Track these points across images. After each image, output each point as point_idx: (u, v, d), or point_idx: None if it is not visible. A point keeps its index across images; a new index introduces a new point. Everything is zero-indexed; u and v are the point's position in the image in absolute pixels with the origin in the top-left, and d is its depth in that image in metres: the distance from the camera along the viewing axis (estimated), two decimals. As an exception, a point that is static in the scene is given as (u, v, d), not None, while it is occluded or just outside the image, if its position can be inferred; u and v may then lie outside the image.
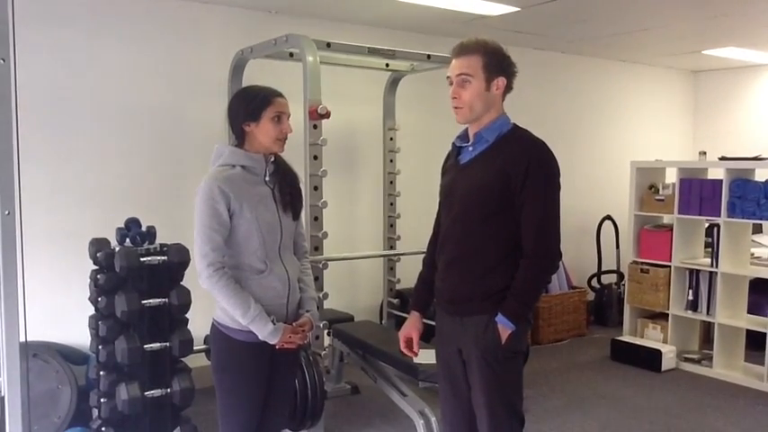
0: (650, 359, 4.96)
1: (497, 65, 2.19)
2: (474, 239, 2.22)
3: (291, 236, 2.44)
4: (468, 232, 2.23)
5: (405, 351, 2.47)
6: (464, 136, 2.32)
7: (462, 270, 2.25)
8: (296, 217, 2.46)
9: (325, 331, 3.82)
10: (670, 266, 5.08)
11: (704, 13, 4.77)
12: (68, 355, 3.78)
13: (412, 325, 2.45)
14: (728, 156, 5.09)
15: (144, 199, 4.20)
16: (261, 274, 2.30)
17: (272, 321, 2.27)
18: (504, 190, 2.15)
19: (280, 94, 2.37)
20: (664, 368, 4.92)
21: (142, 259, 3.08)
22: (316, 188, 3.58)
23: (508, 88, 2.24)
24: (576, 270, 6.26)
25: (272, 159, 2.39)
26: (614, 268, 6.37)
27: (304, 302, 2.46)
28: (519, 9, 4.56)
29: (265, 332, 2.26)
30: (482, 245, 2.21)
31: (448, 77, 2.24)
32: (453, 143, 2.36)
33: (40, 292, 3.80)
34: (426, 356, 3.34)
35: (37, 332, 3.70)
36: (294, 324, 2.37)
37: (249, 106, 2.32)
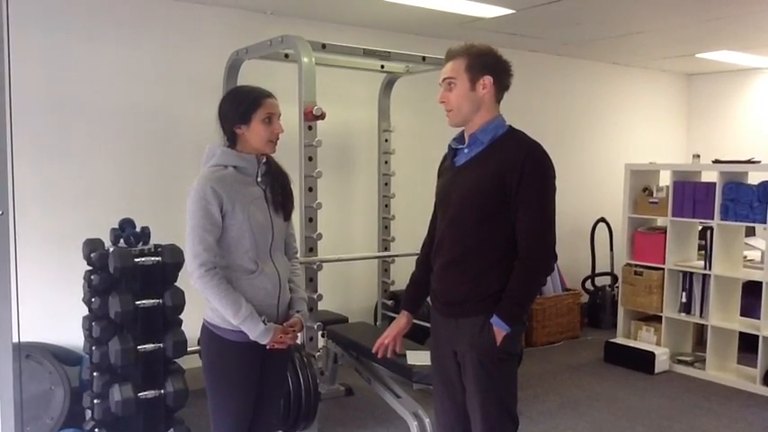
0: (643, 361, 4.97)
1: (481, 64, 2.20)
2: (469, 241, 2.22)
3: (283, 237, 2.44)
4: (463, 234, 2.23)
5: (377, 351, 2.44)
6: (460, 138, 2.33)
7: (458, 272, 2.25)
8: (287, 218, 2.46)
9: (320, 333, 3.81)
10: (664, 269, 5.09)
11: (698, 17, 4.79)
12: (62, 356, 3.76)
13: (395, 323, 2.46)
14: (722, 159, 5.11)
15: (138, 200, 4.20)
16: (252, 275, 2.30)
17: (263, 321, 2.27)
18: (500, 192, 2.15)
19: (269, 95, 2.36)
20: (657, 370, 4.94)
21: (136, 260, 3.07)
22: (310, 189, 3.58)
23: (501, 88, 2.25)
24: (570, 272, 6.27)
25: (264, 160, 2.39)
26: (608, 270, 6.39)
27: (294, 303, 2.46)
28: (514, 11, 4.57)
29: (256, 332, 2.26)
30: (477, 247, 2.21)
31: (440, 84, 2.27)
32: (449, 145, 2.37)
33: (33, 293, 3.79)
34: (420, 358, 3.35)
35: (30, 333, 3.68)
36: (284, 324, 2.37)
37: (239, 109, 2.31)
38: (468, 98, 2.21)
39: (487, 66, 2.21)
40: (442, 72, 2.26)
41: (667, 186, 5.09)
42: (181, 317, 3.21)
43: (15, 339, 1.73)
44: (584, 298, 6.30)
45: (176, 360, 3.23)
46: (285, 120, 2.42)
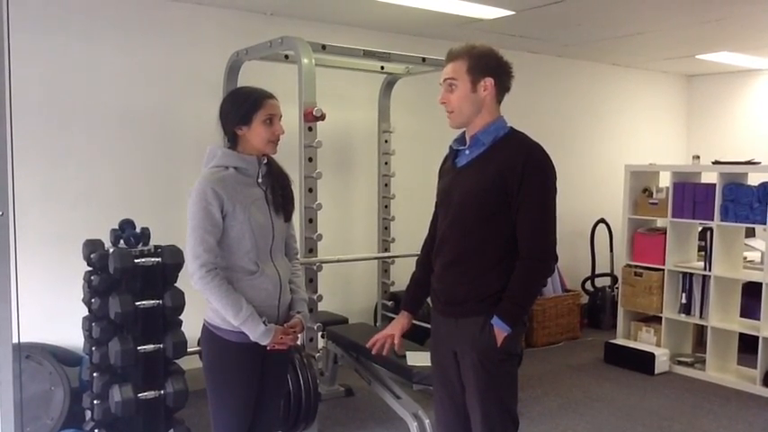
0: (643, 362, 4.97)
1: (483, 66, 2.20)
2: (471, 242, 2.22)
3: (283, 238, 2.45)
4: (465, 235, 2.24)
5: (372, 346, 2.44)
6: (461, 139, 2.33)
7: (459, 272, 2.26)
8: (288, 219, 2.46)
9: (320, 333, 3.81)
10: (663, 270, 5.09)
11: (698, 18, 4.80)
12: (62, 357, 3.76)
13: (396, 323, 2.46)
14: (722, 160, 5.11)
15: (138, 200, 4.20)
16: (252, 276, 2.30)
17: (264, 322, 2.28)
18: (501, 193, 2.16)
19: (271, 96, 2.37)
20: (657, 371, 4.94)
21: (136, 261, 3.07)
22: (310, 190, 3.58)
23: (502, 89, 2.25)
24: (570, 273, 6.27)
25: (265, 161, 2.39)
26: (608, 271, 6.39)
27: (295, 304, 2.46)
28: (514, 13, 4.57)
29: (257, 333, 2.26)
30: (479, 247, 2.22)
31: (440, 84, 2.27)
32: (450, 146, 2.37)
33: (33, 294, 3.79)
34: (420, 358, 3.36)
35: (30, 333, 3.68)
36: (285, 325, 2.38)
37: (240, 110, 2.32)
38: (469, 100, 2.21)
39: (489, 67, 2.21)
40: (443, 73, 2.25)
41: (667, 187, 5.09)
42: (181, 317, 3.21)
43: (15, 340, 1.72)
44: (584, 299, 6.30)
45: (176, 361, 3.23)
46: (285, 121, 2.42)
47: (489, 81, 2.21)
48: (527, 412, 4.08)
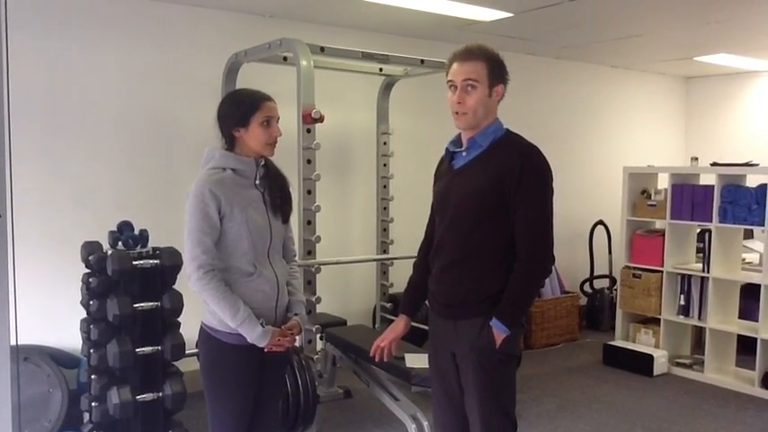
0: (642, 364, 4.97)
1: (499, 72, 2.22)
2: (469, 244, 2.22)
3: (281, 239, 2.45)
4: (462, 237, 2.24)
5: (374, 354, 2.45)
6: (457, 141, 2.33)
7: (457, 274, 2.26)
8: (285, 220, 2.47)
9: (318, 335, 3.81)
10: (662, 271, 5.10)
11: (696, 21, 4.80)
12: (60, 359, 3.76)
13: (393, 327, 2.46)
14: (720, 162, 5.12)
15: (137, 202, 4.19)
16: (250, 277, 2.30)
17: (261, 324, 2.28)
18: (498, 194, 2.16)
19: (268, 98, 2.37)
20: (655, 373, 4.94)
21: (134, 263, 3.07)
22: (309, 192, 3.58)
23: (503, 96, 2.26)
24: (569, 275, 6.27)
25: (263, 163, 2.39)
26: (607, 273, 6.39)
27: (292, 306, 2.46)
28: (512, 15, 4.58)
29: (254, 335, 2.26)
30: (477, 249, 2.22)
31: (449, 81, 2.22)
32: (447, 148, 2.37)
33: (31, 295, 3.78)
34: (418, 360, 3.35)
35: (28, 335, 3.68)
36: (283, 327, 2.38)
37: (238, 112, 2.32)
38: (483, 103, 2.20)
39: (502, 75, 2.23)
40: (461, 72, 2.18)
41: (665, 189, 5.09)
42: (179, 319, 3.21)
43: (13, 342, 1.72)
44: (583, 300, 6.30)
45: (174, 363, 3.23)
46: (284, 123, 2.42)
47: (501, 88, 2.23)
48: (525, 414, 4.08)
